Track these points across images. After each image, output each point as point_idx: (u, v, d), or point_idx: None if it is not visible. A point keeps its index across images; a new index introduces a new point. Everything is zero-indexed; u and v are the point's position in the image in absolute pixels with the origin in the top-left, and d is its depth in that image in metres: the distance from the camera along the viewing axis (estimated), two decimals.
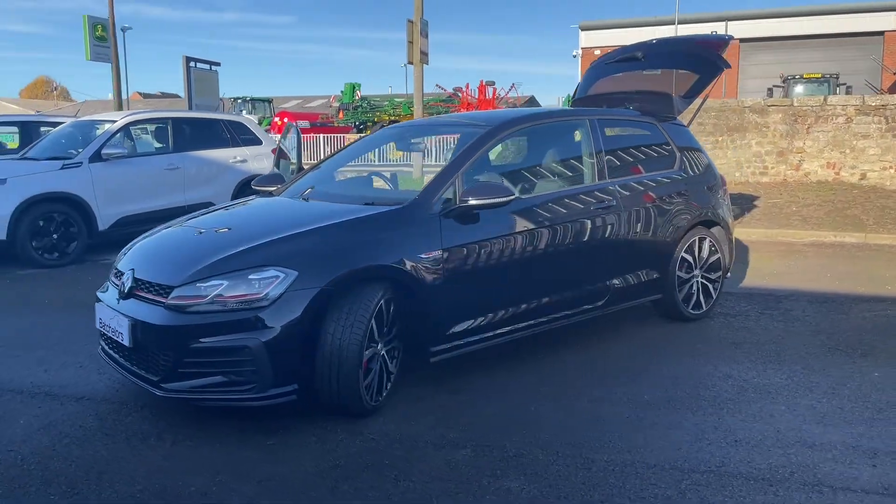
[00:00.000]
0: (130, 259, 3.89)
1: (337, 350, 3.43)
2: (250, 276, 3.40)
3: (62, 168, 8.22)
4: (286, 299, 3.37)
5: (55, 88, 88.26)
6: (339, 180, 4.84)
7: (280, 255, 3.49)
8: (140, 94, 68.47)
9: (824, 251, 8.42)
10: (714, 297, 5.45)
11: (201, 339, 3.34)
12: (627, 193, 4.81)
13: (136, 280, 3.67)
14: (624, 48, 6.17)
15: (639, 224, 4.84)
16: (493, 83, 33.27)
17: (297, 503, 2.85)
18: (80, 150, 8.52)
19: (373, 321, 3.54)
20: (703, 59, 5.65)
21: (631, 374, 4.26)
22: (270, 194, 4.82)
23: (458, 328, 3.97)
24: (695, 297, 5.30)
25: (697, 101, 5.92)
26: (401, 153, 13.10)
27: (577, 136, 4.84)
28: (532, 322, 4.33)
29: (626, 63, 6.04)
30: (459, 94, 34.91)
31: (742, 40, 40.25)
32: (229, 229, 3.93)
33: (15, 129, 11.02)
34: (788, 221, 9.77)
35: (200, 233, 3.97)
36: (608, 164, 4.81)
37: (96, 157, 8.42)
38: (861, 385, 4.02)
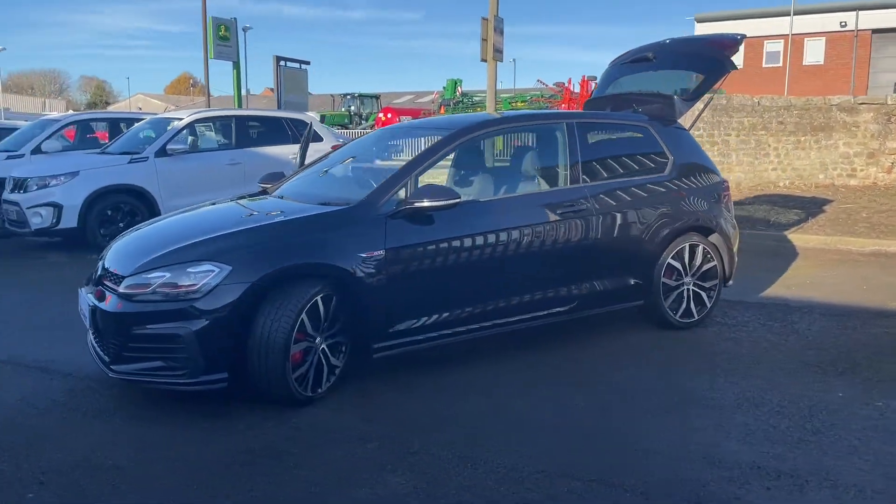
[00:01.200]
0: (108, 251, 4.27)
1: (265, 342, 3.65)
2: (189, 269, 3.67)
3: (130, 162, 8.93)
4: (218, 292, 3.61)
5: (194, 85, 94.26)
6: (322, 179, 5.05)
7: (218, 251, 3.74)
8: (270, 89, 72.15)
9: (879, 261, 7.88)
10: (708, 305, 5.28)
11: (144, 326, 3.64)
12: (604, 198, 4.76)
13: (104, 269, 4.03)
14: (637, 49, 6.06)
15: (615, 229, 4.78)
16: (594, 78, 32.68)
17: (188, 482, 3.08)
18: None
19: (304, 316, 3.73)
20: (711, 60, 5.48)
21: (586, 380, 4.25)
22: (266, 191, 5.11)
23: (401, 326, 4.09)
24: (684, 305, 5.16)
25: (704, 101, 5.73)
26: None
27: (552, 139, 4.83)
28: (486, 324, 4.39)
29: (638, 64, 5.95)
30: (562, 90, 34.60)
31: (874, 31, 37.66)
32: (189, 226, 4.22)
33: (104, 124, 12.03)
34: (853, 228, 9.18)
35: (163, 229, 4.30)
36: (585, 168, 4.78)
37: (161, 152, 9.09)
38: (814, 405, 3.84)
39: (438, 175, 5.01)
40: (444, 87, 38.69)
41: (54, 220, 8.49)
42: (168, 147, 9.14)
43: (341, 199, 4.25)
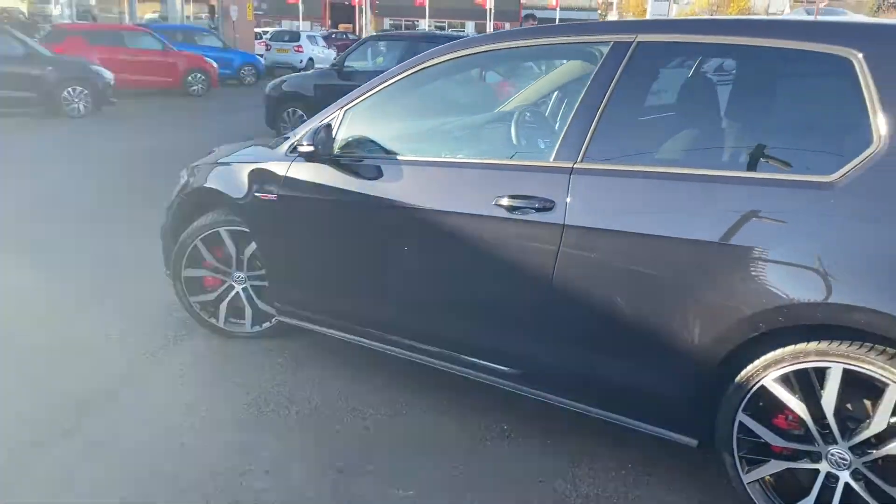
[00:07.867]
0: None
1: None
2: None
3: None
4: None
5: None
6: None
7: None
8: None
9: None
10: None
11: None
12: (606, 199, 2.37)
13: None
14: None
15: (609, 272, 2.34)
16: None
17: None
18: None
19: (198, 242, 3.56)
20: None
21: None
22: None
23: (297, 294, 3.36)
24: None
25: None
26: None
27: (575, 74, 2.71)
28: (395, 339, 3.06)
29: None
30: None
31: None
32: None
33: None
34: None
35: None
36: (602, 133, 2.41)
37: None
38: None
39: None
40: None
41: None
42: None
43: None
